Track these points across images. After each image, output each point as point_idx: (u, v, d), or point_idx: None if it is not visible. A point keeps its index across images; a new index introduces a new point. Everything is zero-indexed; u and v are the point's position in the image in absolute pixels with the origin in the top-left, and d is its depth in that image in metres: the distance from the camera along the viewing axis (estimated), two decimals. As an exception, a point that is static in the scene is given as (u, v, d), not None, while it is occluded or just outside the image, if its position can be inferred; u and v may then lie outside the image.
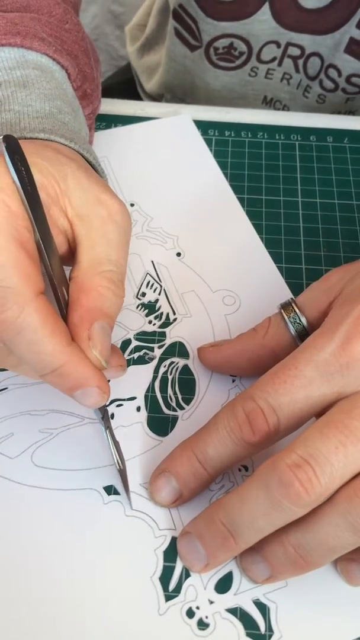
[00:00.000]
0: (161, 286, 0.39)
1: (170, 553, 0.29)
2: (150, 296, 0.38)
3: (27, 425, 0.33)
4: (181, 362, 0.36)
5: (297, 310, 0.31)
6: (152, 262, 0.40)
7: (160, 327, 0.37)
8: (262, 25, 0.51)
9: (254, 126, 0.48)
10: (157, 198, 0.43)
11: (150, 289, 0.39)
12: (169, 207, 0.43)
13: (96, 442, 0.32)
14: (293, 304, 0.32)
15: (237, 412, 0.28)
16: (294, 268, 0.40)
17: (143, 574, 0.29)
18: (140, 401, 0.34)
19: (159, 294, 0.38)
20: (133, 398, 0.34)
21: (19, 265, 0.25)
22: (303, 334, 0.31)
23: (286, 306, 0.32)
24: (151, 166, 0.45)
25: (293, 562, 0.26)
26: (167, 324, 0.37)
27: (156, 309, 0.38)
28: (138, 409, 0.34)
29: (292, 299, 0.32)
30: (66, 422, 0.33)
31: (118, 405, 0.34)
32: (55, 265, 0.28)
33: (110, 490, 0.31)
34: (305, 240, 0.41)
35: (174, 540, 0.30)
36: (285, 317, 0.32)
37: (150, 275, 0.39)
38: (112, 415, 0.33)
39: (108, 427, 0.30)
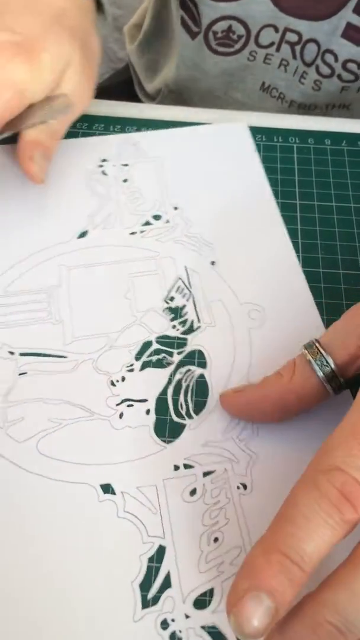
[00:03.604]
0: (190, 292, 0.39)
1: (155, 561, 0.29)
2: (179, 301, 0.38)
3: (38, 412, 0.34)
4: (197, 371, 0.35)
5: (323, 352, 0.30)
6: (186, 267, 0.40)
7: (182, 333, 0.37)
8: (259, 6, 0.52)
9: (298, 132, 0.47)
10: (200, 204, 0.43)
11: (180, 294, 0.39)
12: (211, 215, 0.42)
13: (101, 438, 0.33)
14: (318, 345, 0.31)
15: (326, 490, 0.24)
16: (331, 287, 0.39)
17: (124, 577, 0.29)
18: (151, 404, 0.34)
19: (187, 300, 0.38)
20: (144, 400, 0.34)
21: None
22: (331, 377, 0.30)
23: (310, 348, 0.31)
24: (200, 172, 0.45)
25: None
26: (190, 330, 0.37)
27: (182, 314, 0.38)
28: (147, 411, 0.34)
29: (315, 340, 0.31)
30: (76, 415, 0.34)
31: (129, 405, 0.34)
32: None
33: (107, 489, 0.31)
34: (343, 258, 0.40)
35: (160, 548, 0.29)
36: (312, 360, 0.30)
37: (182, 280, 0.39)
38: (121, 415, 0.34)
39: None
